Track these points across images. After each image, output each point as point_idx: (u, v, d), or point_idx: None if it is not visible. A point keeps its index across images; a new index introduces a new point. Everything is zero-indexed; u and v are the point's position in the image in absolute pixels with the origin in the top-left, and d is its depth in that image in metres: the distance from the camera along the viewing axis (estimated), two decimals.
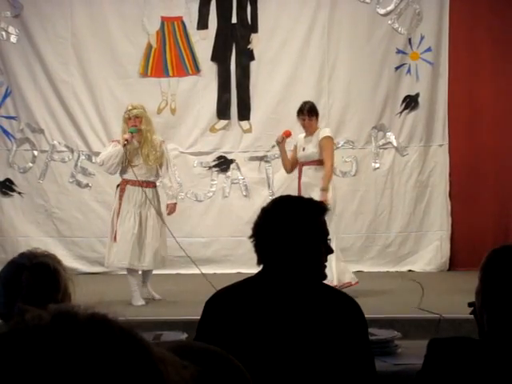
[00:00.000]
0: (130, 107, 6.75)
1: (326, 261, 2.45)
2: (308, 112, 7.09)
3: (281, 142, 7.22)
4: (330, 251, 2.45)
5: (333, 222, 6.76)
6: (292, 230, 2.36)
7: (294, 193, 8.55)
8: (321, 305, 2.38)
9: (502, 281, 1.98)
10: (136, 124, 6.64)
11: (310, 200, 2.51)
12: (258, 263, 2.43)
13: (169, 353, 0.78)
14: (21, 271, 2.28)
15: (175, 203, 6.91)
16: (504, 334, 1.96)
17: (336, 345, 2.32)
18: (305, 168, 7.07)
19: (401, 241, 8.77)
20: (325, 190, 6.90)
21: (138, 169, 6.69)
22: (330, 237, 2.49)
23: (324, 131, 7.18)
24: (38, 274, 2.27)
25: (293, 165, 7.25)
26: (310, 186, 6.96)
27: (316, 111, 7.19)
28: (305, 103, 7.24)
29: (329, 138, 7.12)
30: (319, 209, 2.45)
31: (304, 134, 7.15)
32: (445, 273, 8.65)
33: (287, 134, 7.25)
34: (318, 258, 2.41)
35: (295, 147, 7.19)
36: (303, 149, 7.08)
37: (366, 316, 2.50)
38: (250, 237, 2.43)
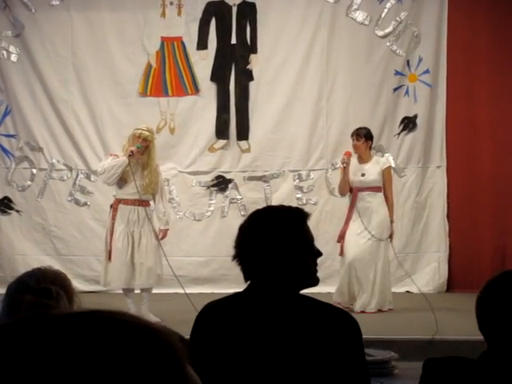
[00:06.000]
0: (144, 127, 6.87)
1: (316, 265, 2.40)
2: (365, 137, 7.28)
3: (348, 163, 7.28)
4: (319, 254, 2.40)
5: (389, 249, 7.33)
6: (275, 241, 2.31)
7: None
8: (312, 319, 2.31)
9: (499, 309, 1.95)
10: (142, 144, 6.74)
11: (290, 208, 2.43)
12: (246, 280, 2.37)
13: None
14: (25, 292, 2.24)
15: (168, 229, 6.95)
16: (501, 355, 1.95)
17: (329, 360, 2.26)
18: (361, 194, 7.22)
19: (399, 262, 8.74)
20: (393, 221, 7.26)
21: (131, 187, 6.72)
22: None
23: (387, 160, 7.48)
24: (40, 298, 2.23)
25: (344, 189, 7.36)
26: (368, 210, 7.18)
27: (371, 136, 7.39)
28: (360, 128, 7.40)
29: (391, 167, 7.48)
30: (301, 216, 2.38)
31: (356, 159, 7.30)
32: (443, 294, 8.62)
33: (350, 154, 7.33)
34: (305, 265, 2.35)
35: (347, 171, 7.26)
36: (362, 174, 7.20)
37: (363, 336, 2.48)
38: (233, 258, 2.36)
